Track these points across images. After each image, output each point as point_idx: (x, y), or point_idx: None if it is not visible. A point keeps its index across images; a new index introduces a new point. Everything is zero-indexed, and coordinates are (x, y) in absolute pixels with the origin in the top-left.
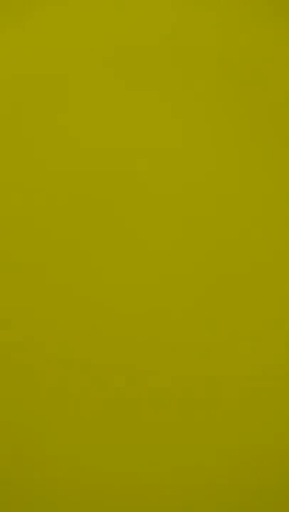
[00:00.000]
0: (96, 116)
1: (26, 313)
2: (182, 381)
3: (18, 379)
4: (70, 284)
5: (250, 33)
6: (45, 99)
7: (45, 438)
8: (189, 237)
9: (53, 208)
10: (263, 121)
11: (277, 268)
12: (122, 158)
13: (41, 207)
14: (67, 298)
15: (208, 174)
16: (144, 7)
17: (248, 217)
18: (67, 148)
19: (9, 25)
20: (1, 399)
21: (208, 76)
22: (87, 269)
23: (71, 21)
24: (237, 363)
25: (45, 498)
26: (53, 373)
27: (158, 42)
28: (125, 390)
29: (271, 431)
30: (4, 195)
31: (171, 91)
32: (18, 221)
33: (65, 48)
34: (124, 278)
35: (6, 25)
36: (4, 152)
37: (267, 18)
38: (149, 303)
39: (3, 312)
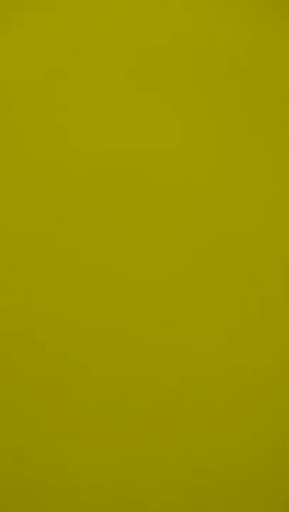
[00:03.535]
0: (96, 116)
1: (25, 315)
2: (181, 382)
3: (17, 382)
4: (69, 285)
5: (250, 32)
6: (45, 99)
7: (45, 439)
8: (190, 237)
9: (53, 209)
10: (264, 120)
11: (278, 268)
12: (122, 159)
13: (41, 208)
14: (67, 300)
15: (210, 174)
16: (144, 7)
17: (248, 217)
18: (66, 150)
19: (9, 25)
20: (1, 401)
21: (209, 75)
22: (86, 269)
23: (71, 21)
24: (236, 363)
25: (44, 498)
26: (51, 375)
27: (158, 42)
28: (124, 391)
29: (270, 432)
30: (3, 196)
31: (172, 92)
32: (17, 222)
33: (65, 48)
34: (124, 280)
35: (6, 25)
36: (3, 153)
37: (268, 17)
38: (149, 303)
39: (2, 314)
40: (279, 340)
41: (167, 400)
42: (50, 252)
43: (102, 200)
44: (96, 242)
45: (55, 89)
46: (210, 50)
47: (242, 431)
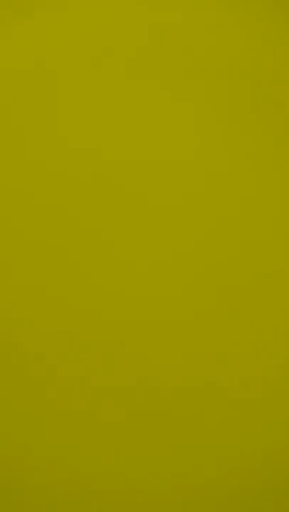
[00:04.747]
0: (94, 116)
1: (24, 322)
2: (182, 389)
3: (19, 388)
4: (67, 291)
5: (251, 31)
6: (42, 98)
7: (45, 442)
8: (191, 241)
9: (47, 210)
10: (265, 120)
11: (281, 278)
12: (120, 159)
13: (38, 211)
14: (65, 306)
15: (209, 176)
16: (143, 5)
17: (251, 222)
18: (63, 149)
19: (6, 25)
20: (1, 408)
21: (209, 75)
22: (84, 275)
23: (69, 20)
24: (237, 369)
25: (44, 499)
26: (52, 382)
27: (158, 41)
28: (125, 397)
29: (270, 435)
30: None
31: (171, 91)
32: (9, 225)
33: (63, 47)
34: (123, 285)
35: (3, 25)
36: (2, 154)
37: (269, 15)
38: (149, 310)
39: (1, 319)
40: (281, 347)
41: (169, 407)
42: (48, 257)
43: (101, 202)
44: (96, 245)
45: (53, 90)
46: (210, 50)
47: (242, 435)
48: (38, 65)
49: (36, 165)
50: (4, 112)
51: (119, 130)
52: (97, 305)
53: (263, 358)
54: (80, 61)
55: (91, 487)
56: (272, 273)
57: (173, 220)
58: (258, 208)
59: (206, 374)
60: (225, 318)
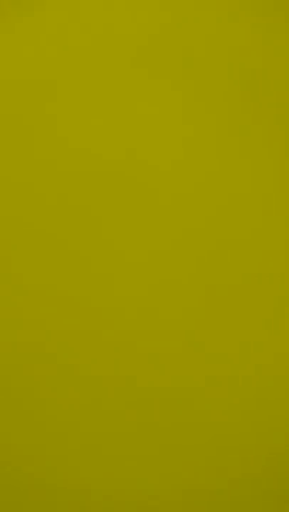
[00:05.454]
0: (94, 114)
1: (25, 319)
2: (181, 385)
3: (19, 387)
4: (68, 286)
5: (251, 31)
6: (44, 102)
7: (45, 442)
8: (190, 239)
9: (52, 210)
10: (266, 119)
11: (279, 273)
12: (120, 162)
13: (39, 209)
14: (66, 302)
15: (210, 175)
16: (143, 7)
17: (250, 220)
18: (64, 152)
19: (6, 27)
20: (1, 407)
21: (209, 75)
22: (86, 271)
23: (69, 23)
24: (236, 366)
25: (43, 499)
26: (52, 380)
27: (158, 42)
28: (124, 395)
29: (270, 436)
30: (1, 197)
31: (172, 94)
32: (16, 224)
33: (64, 50)
34: (124, 282)
35: (3, 27)
36: (3, 156)
37: (269, 14)
38: (148, 306)
39: (2, 317)
40: (281, 345)
41: (168, 404)
42: (49, 254)
43: (103, 201)
44: (96, 244)
45: (54, 90)
46: (214, 52)
47: (242, 434)
48: (37, 64)
49: (34, 160)
50: (4, 111)
51: (120, 128)
52: (97, 304)
53: (262, 358)
54: (80, 61)
55: (91, 487)
56: (272, 272)
57: (172, 217)
58: (257, 203)
59: (205, 372)
60: (224, 318)
